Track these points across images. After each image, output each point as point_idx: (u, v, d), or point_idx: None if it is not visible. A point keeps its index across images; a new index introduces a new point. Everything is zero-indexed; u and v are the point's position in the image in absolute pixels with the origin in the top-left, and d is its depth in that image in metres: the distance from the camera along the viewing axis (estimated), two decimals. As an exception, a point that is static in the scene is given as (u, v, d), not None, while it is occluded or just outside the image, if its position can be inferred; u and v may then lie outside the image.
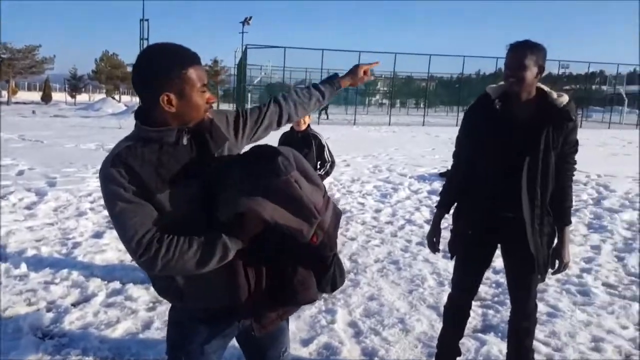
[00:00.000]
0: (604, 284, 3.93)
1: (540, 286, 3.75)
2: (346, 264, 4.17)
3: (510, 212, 2.16)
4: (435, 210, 2.47)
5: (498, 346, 2.87)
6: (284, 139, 3.90)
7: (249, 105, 27.70)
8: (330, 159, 3.99)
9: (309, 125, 3.97)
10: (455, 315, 2.52)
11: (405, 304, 3.44)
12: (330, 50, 25.66)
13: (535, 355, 2.75)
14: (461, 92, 30.55)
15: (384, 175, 8.67)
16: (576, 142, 2.22)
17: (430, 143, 14.13)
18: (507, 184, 2.13)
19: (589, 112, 37.68)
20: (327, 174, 4.01)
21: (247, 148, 1.60)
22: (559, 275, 3.98)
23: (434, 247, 2.45)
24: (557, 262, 2.27)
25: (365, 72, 1.95)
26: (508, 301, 2.65)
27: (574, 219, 5.88)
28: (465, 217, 2.33)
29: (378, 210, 6.07)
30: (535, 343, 2.89)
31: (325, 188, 1.70)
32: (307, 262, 1.56)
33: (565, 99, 2.13)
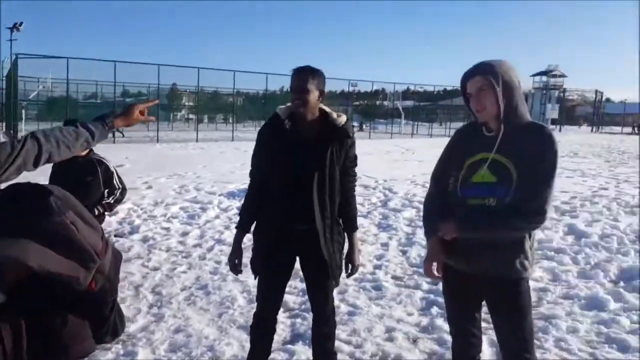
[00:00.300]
0: (392, 277, 4.43)
1: (342, 287, 4.06)
2: (149, 298, 3.86)
3: (304, 225, 2.29)
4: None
5: (306, 354, 2.97)
6: (59, 166, 3.38)
7: (23, 124, 24.08)
8: (120, 185, 3.65)
9: (91, 150, 3.52)
10: (260, 332, 2.53)
11: (214, 329, 3.34)
12: (123, 62, 23.79)
13: (339, 355, 2.94)
14: (267, 107, 31.72)
15: (192, 195, 8.39)
16: (355, 157, 2.44)
17: (239, 158, 14.26)
18: (299, 199, 2.28)
19: (374, 124, 42.84)
20: (117, 201, 3.67)
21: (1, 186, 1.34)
22: (356, 275, 4.38)
23: (235, 269, 2.47)
24: (349, 265, 2.49)
25: (141, 112, 1.88)
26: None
27: (366, 221, 6.57)
28: (263, 233, 2.40)
29: (185, 234, 5.83)
30: (338, 343, 3.09)
31: (103, 230, 1.54)
32: (81, 311, 1.38)
33: (343, 118, 2.36)
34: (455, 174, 1.96)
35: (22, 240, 1.19)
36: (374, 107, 51.87)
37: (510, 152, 1.83)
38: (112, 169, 3.61)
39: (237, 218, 2.47)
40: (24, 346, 1.28)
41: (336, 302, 3.73)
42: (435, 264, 1.98)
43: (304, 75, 2.24)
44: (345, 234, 2.48)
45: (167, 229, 6.07)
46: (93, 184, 3.43)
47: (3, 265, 1.18)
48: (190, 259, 4.86)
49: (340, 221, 2.45)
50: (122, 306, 3.63)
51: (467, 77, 1.91)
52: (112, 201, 3.59)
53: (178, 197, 8.22)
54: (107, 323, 1.47)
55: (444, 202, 2.00)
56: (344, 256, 2.48)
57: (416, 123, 41.37)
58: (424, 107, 53.56)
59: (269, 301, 2.48)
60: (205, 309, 3.67)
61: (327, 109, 2.39)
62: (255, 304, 2.52)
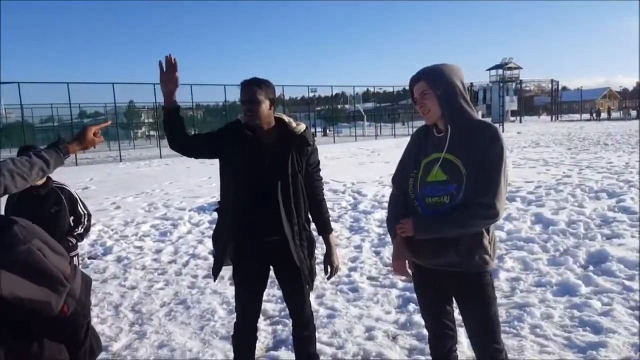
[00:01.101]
0: (368, 278, 4.53)
1: (319, 291, 4.14)
2: (129, 317, 3.84)
3: (273, 235, 2.33)
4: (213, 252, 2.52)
5: (290, 359, 3.02)
6: (19, 201, 3.15)
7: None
8: (85, 211, 3.44)
9: (49, 178, 3.29)
10: (242, 341, 2.55)
11: (197, 342, 3.35)
12: (77, 83, 23.27)
13: (322, 358, 3.01)
14: (228, 118, 31.53)
15: (161, 212, 8.30)
16: (318, 162, 2.50)
17: (206, 172, 14.15)
18: (265, 209, 2.30)
19: (338, 128, 43.16)
20: (87, 230, 3.45)
21: None
22: (333, 278, 4.46)
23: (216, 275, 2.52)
24: (328, 267, 2.53)
25: (95, 134, 1.89)
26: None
27: (337, 225, 6.66)
28: (227, 243, 2.42)
29: (159, 251, 5.78)
30: (320, 346, 3.16)
31: (69, 256, 1.57)
32: (56, 336, 1.41)
33: (302, 127, 2.40)
34: (414, 174, 2.06)
35: None
36: (336, 111, 52.34)
37: (459, 150, 1.93)
38: (75, 195, 3.42)
39: (209, 232, 2.48)
40: None
41: (315, 306, 3.82)
42: (406, 262, 2.07)
43: (252, 87, 2.27)
44: (321, 237, 2.54)
45: (140, 247, 6.01)
46: (59, 214, 3.25)
47: None
48: (167, 275, 4.84)
49: (311, 226, 2.50)
50: (103, 326, 3.64)
51: (413, 81, 2.03)
52: (81, 230, 3.40)
53: (148, 215, 8.12)
54: (84, 346, 1.49)
55: (404, 202, 2.09)
56: (314, 260, 2.51)
57: (379, 124, 41.88)
58: (385, 107, 54.34)
59: (247, 311, 2.50)
60: (187, 322, 3.68)
61: (285, 117, 2.41)
62: (235, 314, 2.54)
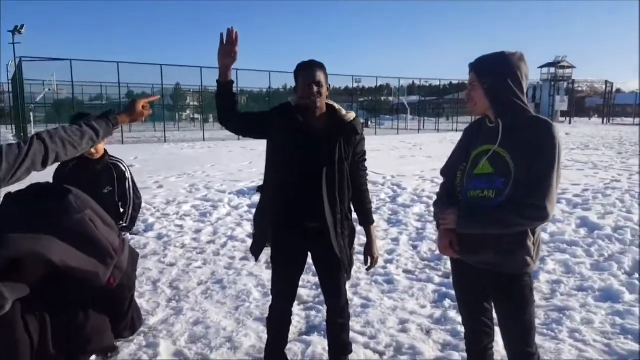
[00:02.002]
0: (404, 271, 4.49)
1: (354, 281, 4.13)
2: (167, 292, 3.96)
3: (314, 222, 2.31)
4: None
5: (322, 344, 3.04)
6: (70, 172, 2.91)
7: (32, 127, 24.27)
8: (130, 198, 3.10)
9: (106, 152, 3.09)
10: (277, 323, 2.58)
11: (232, 321, 3.42)
12: (127, 63, 23.94)
13: (354, 346, 3.00)
14: (271, 105, 31.78)
15: (202, 193, 8.50)
16: (364, 152, 2.46)
17: (246, 157, 14.35)
18: (308, 195, 2.28)
19: (380, 120, 42.74)
20: (133, 221, 3.17)
21: (20, 187, 1.41)
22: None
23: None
24: (369, 258, 2.52)
25: (144, 107, 1.92)
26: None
27: (376, 217, 6.60)
28: (268, 225, 2.41)
29: (198, 231, 5.92)
30: (352, 335, 3.16)
31: (119, 229, 1.61)
32: (101, 306, 1.45)
33: (352, 115, 2.37)
34: (463, 167, 2.01)
35: (45, 236, 1.25)
36: (379, 103, 51.74)
37: (509, 144, 1.84)
38: (129, 174, 3.09)
39: (248, 215, 2.46)
40: (49, 339, 1.34)
41: (349, 295, 3.80)
42: (451, 241, 1.97)
43: (316, 68, 2.24)
44: (363, 228, 2.52)
45: (181, 226, 6.17)
46: (111, 196, 2.99)
47: (28, 260, 1.25)
48: (205, 255, 4.96)
49: (353, 215, 2.47)
50: (141, 301, 3.75)
51: (469, 69, 1.96)
52: (126, 223, 3.09)
53: (189, 195, 8.32)
54: (126, 319, 1.53)
55: (451, 192, 2.05)
56: (354, 250, 2.51)
57: (423, 118, 41.13)
58: (430, 102, 53.27)
59: (283, 294, 2.51)
60: (222, 302, 3.76)
61: (336, 105, 2.39)
62: (271, 297, 2.56)
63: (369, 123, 43.36)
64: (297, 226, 2.34)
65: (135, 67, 25.01)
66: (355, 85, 39.82)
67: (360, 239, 2.60)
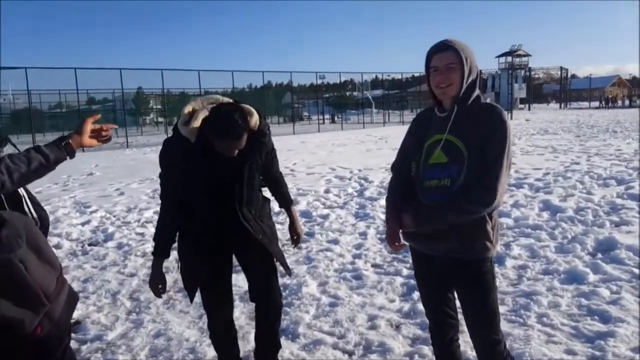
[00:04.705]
0: (372, 265, 4.43)
1: (322, 279, 4.05)
2: (126, 305, 3.78)
3: (233, 231, 2.26)
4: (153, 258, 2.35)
5: (289, 348, 2.95)
6: None
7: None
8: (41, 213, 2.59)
9: None
10: (221, 341, 2.49)
11: (195, 331, 3.28)
12: (84, 68, 23.22)
13: (322, 347, 2.93)
14: (235, 105, 31.41)
15: (165, 198, 8.24)
16: (273, 148, 2.40)
17: (210, 159, 14.03)
18: (223, 211, 2.23)
19: (346, 115, 42.90)
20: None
21: None
22: (336, 266, 4.38)
23: (159, 293, 2.35)
24: (294, 236, 2.59)
25: (103, 129, 1.77)
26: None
27: (343, 212, 6.57)
28: (191, 252, 2.30)
29: (160, 237, 5.71)
30: (321, 336, 3.09)
31: (61, 267, 1.46)
32: (25, 357, 1.31)
33: (255, 118, 2.17)
34: (417, 157, 1.96)
35: None
36: (344, 98, 51.90)
37: (461, 132, 1.82)
38: (23, 193, 2.54)
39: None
40: None
41: (317, 294, 3.73)
42: (397, 232, 1.97)
43: (235, 137, 2.08)
44: (284, 209, 2.59)
45: (142, 234, 5.94)
46: None
47: None
48: (167, 263, 4.70)
49: (272, 221, 2.47)
50: (99, 315, 3.59)
51: (437, 50, 1.85)
52: None
53: (151, 201, 8.05)
54: None
55: (403, 191, 1.99)
56: (287, 229, 2.61)
57: (387, 111, 41.51)
58: (393, 95, 53.82)
59: (218, 311, 2.41)
60: (185, 311, 3.60)
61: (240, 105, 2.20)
62: (237, 301, 2.49)
63: (335, 118, 43.46)
64: (217, 240, 2.28)
65: (94, 73, 24.33)
66: (320, 81, 39.87)
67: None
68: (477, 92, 1.86)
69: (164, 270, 2.31)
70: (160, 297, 2.37)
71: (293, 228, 2.58)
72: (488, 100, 1.93)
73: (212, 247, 2.28)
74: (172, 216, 2.25)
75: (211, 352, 2.96)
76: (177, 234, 2.31)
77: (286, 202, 2.56)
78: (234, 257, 2.44)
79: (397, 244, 1.98)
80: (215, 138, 2.06)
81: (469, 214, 1.79)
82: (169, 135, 2.27)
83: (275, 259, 2.39)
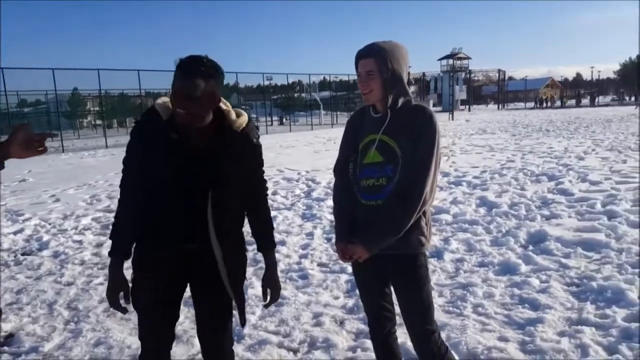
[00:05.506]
0: (318, 264, 4.50)
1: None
2: (64, 314, 3.63)
3: (195, 243, 1.84)
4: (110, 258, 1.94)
5: None
6: None
7: None
8: None
9: None
10: None
11: (136, 338, 3.19)
12: (13, 68, 21.84)
13: (267, 346, 2.95)
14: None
15: (104, 204, 7.94)
16: (261, 163, 2.00)
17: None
18: (190, 218, 1.81)
19: (295, 117, 42.91)
20: None
21: None
22: (282, 266, 4.39)
23: (119, 306, 1.93)
24: (269, 291, 2.00)
25: (37, 140, 1.64)
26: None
27: (290, 213, 6.59)
28: (142, 257, 1.92)
29: (99, 245, 5.50)
30: (266, 335, 3.11)
31: None
32: None
33: (244, 119, 1.89)
34: (354, 158, 2.03)
35: None
36: (292, 100, 51.88)
37: (395, 132, 1.89)
38: None
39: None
40: None
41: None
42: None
43: (195, 78, 1.68)
44: (262, 254, 2.03)
45: (80, 241, 5.70)
46: None
47: None
48: (107, 270, 4.59)
49: (245, 246, 2.03)
50: (34, 326, 3.44)
51: (360, 56, 1.90)
52: None
53: (89, 207, 7.75)
54: None
55: (349, 199, 2.03)
56: (262, 281, 2.01)
57: (336, 113, 41.89)
58: (341, 96, 54.40)
59: (155, 338, 2.00)
60: (127, 318, 3.49)
61: (224, 105, 1.88)
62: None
63: (284, 120, 43.32)
64: (174, 250, 1.85)
65: (25, 73, 22.89)
66: (267, 82, 39.67)
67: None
68: (407, 96, 1.92)
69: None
70: (120, 310, 1.95)
71: (269, 282, 1.99)
72: (432, 106, 1.99)
73: (170, 269, 1.88)
74: (131, 208, 1.88)
75: (154, 358, 2.91)
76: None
77: (268, 245, 2.01)
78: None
79: (347, 256, 1.99)
80: (175, 83, 1.71)
81: (408, 222, 1.86)
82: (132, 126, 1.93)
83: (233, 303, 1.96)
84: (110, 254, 1.93)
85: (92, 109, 46.73)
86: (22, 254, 5.30)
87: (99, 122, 43.53)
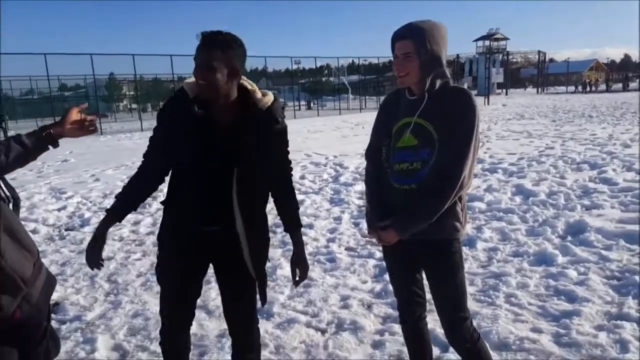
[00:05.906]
0: (346, 249, 4.53)
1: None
2: (104, 287, 3.82)
3: (218, 225, 1.87)
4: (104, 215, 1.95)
5: None
6: None
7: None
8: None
9: None
10: (172, 353, 2.12)
11: (172, 313, 3.33)
12: (55, 54, 22.60)
13: (296, 325, 3.01)
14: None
15: (141, 184, 8.18)
16: (287, 144, 1.99)
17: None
18: (215, 198, 1.85)
19: (322, 101, 42.71)
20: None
21: None
22: (310, 249, 4.45)
23: (94, 260, 1.91)
24: (297, 271, 2.03)
25: (87, 120, 1.70)
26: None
27: (318, 197, 6.65)
28: (167, 237, 1.99)
29: (137, 223, 5.70)
30: (294, 314, 3.18)
31: (38, 252, 1.48)
32: (6, 339, 1.35)
33: (269, 98, 1.90)
34: (387, 142, 1.99)
35: None
36: (320, 84, 51.58)
37: (431, 115, 1.85)
38: None
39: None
40: None
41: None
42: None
43: (212, 48, 1.73)
44: (289, 234, 2.05)
45: (118, 219, 5.92)
46: None
47: None
48: (144, 247, 4.79)
49: (268, 226, 2.05)
50: (78, 296, 3.63)
51: (397, 37, 1.84)
52: None
53: (128, 187, 8.00)
54: (37, 351, 1.44)
55: (381, 188, 2.01)
56: (291, 260, 2.05)
57: (364, 97, 41.40)
58: (370, 80, 53.70)
59: (177, 319, 2.05)
60: (162, 294, 3.65)
61: (249, 85, 1.91)
62: (213, 283, 2.28)
63: (311, 105, 43.17)
64: (198, 231, 1.88)
65: (65, 58, 23.61)
66: (295, 66, 39.52)
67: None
68: (446, 78, 1.86)
69: (146, 252, 1.99)
70: (94, 268, 1.93)
71: (297, 261, 2.02)
72: (465, 85, 1.94)
73: (193, 249, 1.92)
74: (143, 177, 1.95)
75: (188, 333, 3.03)
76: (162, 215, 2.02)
77: (295, 226, 2.02)
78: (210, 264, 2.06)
79: (379, 240, 1.99)
80: (195, 56, 1.77)
81: (443, 208, 1.83)
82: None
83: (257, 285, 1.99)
84: (106, 209, 1.95)
85: (127, 93, 47.85)
86: (66, 229, 5.57)
87: (134, 105, 44.54)
